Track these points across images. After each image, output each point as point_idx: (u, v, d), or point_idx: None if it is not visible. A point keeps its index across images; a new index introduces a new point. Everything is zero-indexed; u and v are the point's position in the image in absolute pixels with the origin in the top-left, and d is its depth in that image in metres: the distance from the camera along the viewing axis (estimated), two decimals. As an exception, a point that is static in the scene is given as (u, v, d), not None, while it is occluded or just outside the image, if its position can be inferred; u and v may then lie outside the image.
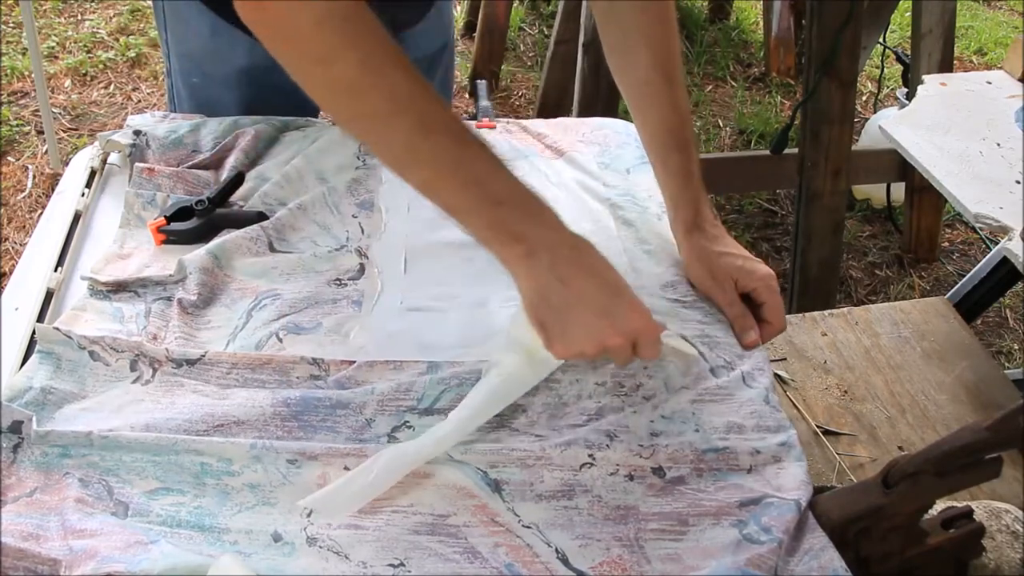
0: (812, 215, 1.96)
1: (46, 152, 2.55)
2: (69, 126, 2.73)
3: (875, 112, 2.84)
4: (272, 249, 0.94)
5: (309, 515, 0.70)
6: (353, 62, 0.69)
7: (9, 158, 2.56)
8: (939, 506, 0.78)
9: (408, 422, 0.76)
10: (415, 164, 0.72)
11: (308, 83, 0.72)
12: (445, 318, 0.87)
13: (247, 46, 1.10)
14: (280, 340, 0.83)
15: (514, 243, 0.72)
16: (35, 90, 2.59)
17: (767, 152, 2.14)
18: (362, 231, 0.97)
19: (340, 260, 0.93)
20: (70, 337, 0.80)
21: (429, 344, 0.84)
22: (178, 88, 1.19)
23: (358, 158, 1.06)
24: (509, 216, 0.72)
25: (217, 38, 1.09)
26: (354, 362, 0.81)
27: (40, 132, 2.60)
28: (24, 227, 2.33)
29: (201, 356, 0.80)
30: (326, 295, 0.89)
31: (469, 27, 3.22)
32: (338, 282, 0.91)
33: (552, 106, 2.46)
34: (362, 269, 0.92)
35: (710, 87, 3.15)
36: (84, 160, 1.09)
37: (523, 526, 0.70)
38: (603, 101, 2.02)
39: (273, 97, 1.13)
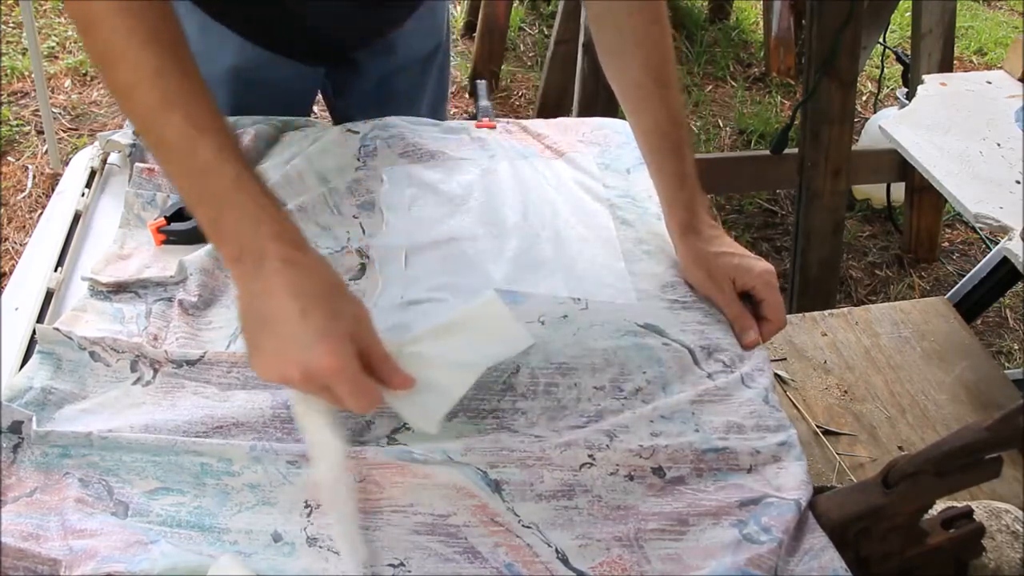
0: (812, 215, 1.96)
1: (46, 152, 2.55)
2: (69, 126, 2.73)
3: (875, 112, 2.84)
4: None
5: (309, 515, 0.70)
6: (106, 33, 0.68)
7: (9, 158, 2.56)
8: (939, 506, 0.78)
9: (408, 424, 0.76)
10: (151, 144, 0.70)
11: (86, 50, 0.72)
12: (445, 307, 0.87)
13: (236, 45, 1.10)
14: None
15: (227, 244, 0.68)
16: (35, 90, 2.59)
17: (767, 152, 2.14)
18: (363, 231, 0.97)
19: (341, 261, 0.93)
20: (70, 338, 0.80)
21: None
22: None
23: (358, 159, 1.06)
24: (227, 216, 0.68)
25: (206, 37, 1.09)
26: None
27: (40, 132, 2.60)
28: (24, 227, 2.33)
29: (201, 356, 0.80)
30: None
31: (469, 27, 3.22)
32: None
33: (552, 106, 2.46)
34: (363, 269, 0.92)
35: (710, 87, 3.15)
36: (84, 160, 1.09)
37: (523, 526, 0.70)
38: (603, 101, 2.02)
39: (263, 96, 1.14)
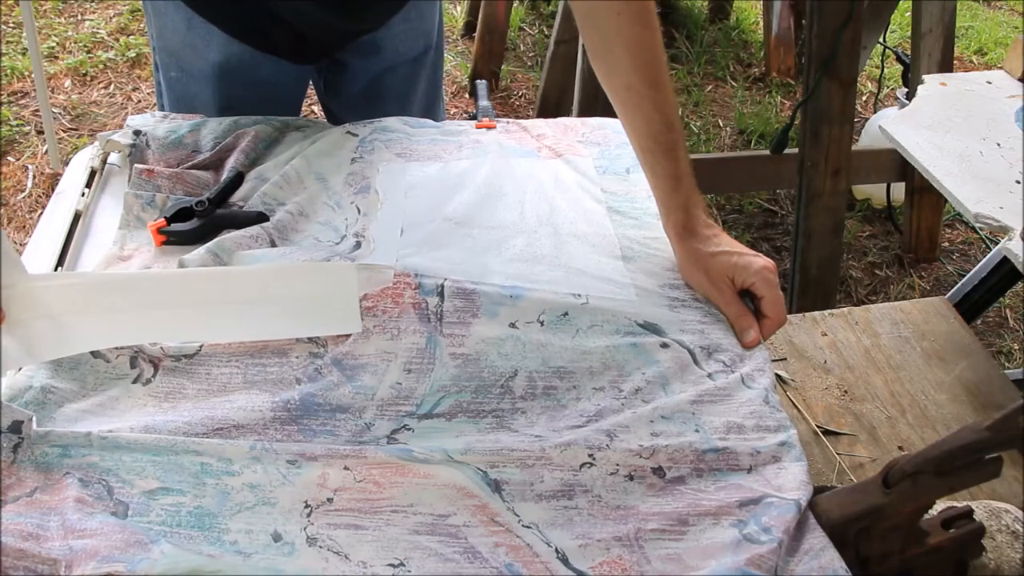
0: (812, 215, 1.96)
1: (46, 152, 2.55)
2: (69, 126, 2.73)
3: (875, 112, 2.84)
4: (273, 247, 0.94)
5: (309, 515, 0.70)
6: None
7: (9, 158, 2.56)
8: (939, 506, 0.78)
9: (407, 425, 0.76)
10: None
11: None
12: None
13: (221, 41, 1.10)
14: None
15: None
16: (35, 90, 2.59)
17: (767, 152, 2.14)
18: (359, 211, 0.97)
19: (341, 248, 0.94)
20: (70, 337, 0.80)
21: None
22: (160, 83, 1.20)
23: (355, 151, 1.06)
24: None
25: (192, 33, 1.10)
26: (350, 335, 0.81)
27: (40, 132, 2.60)
28: (24, 227, 2.33)
29: (198, 350, 0.80)
30: (319, 257, 0.89)
31: (469, 27, 3.22)
32: (335, 256, 0.91)
33: (552, 106, 2.46)
34: (358, 245, 0.92)
35: (710, 87, 3.15)
36: (84, 160, 1.09)
37: (523, 526, 0.70)
38: (603, 101, 1.99)
39: (249, 92, 1.14)
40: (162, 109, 1.20)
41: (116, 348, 0.80)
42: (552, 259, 0.92)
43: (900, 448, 1.01)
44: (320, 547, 0.68)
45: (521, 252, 0.93)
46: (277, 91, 1.18)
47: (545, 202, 1.01)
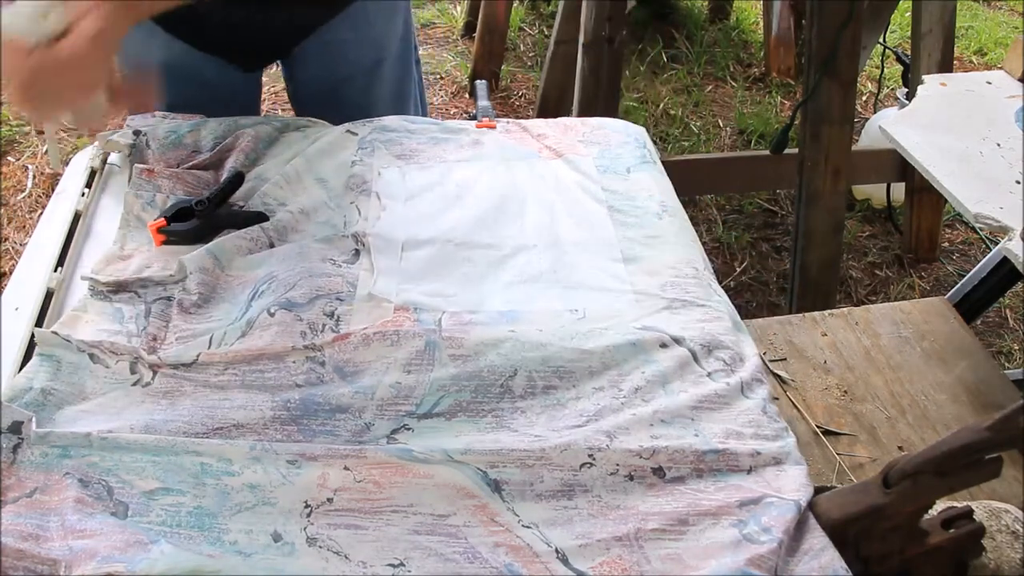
0: (812, 215, 1.96)
1: (46, 152, 2.55)
2: (69, 126, 2.73)
3: (875, 112, 2.84)
4: (272, 247, 0.94)
5: (309, 515, 0.70)
6: None
7: (9, 158, 2.56)
8: (939, 506, 0.78)
9: (407, 424, 0.76)
10: None
11: None
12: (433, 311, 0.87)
13: (163, 41, 1.09)
14: (272, 315, 0.83)
15: None
16: (35, 90, 2.58)
17: (767, 152, 2.14)
18: (359, 212, 0.97)
19: (337, 242, 0.93)
20: (69, 341, 0.80)
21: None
22: None
23: (355, 155, 1.06)
24: None
25: (138, 29, 1.09)
26: (348, 336, 0.81)
27: (40, 132, 2.60)
28: (24, 227, 2.33)
29: (195, 358, 0.80)
30: (319, 270, 0.89)
31: (469, 27, 3.22)
32: (332, 261, 0.91)
33: (552, 106, 2.46)
34: (357, 254, 0.92)
35: (710, 87, 3.15)
36: (84, 160, 1.09)
37: (523, 526, 0.70)
38: (603, 101, 2.02)
39: (196, 92, 1.13)
40: None
41: (114, 353, 0.80)
42: (550, 275, 0.92)
43: (900, 448, 1.01)
44: (320, 547, 0.68)
45: (520, 273, 0.93)
46: (224, 93, 1.17)
47: (546, 211, 1.01)
